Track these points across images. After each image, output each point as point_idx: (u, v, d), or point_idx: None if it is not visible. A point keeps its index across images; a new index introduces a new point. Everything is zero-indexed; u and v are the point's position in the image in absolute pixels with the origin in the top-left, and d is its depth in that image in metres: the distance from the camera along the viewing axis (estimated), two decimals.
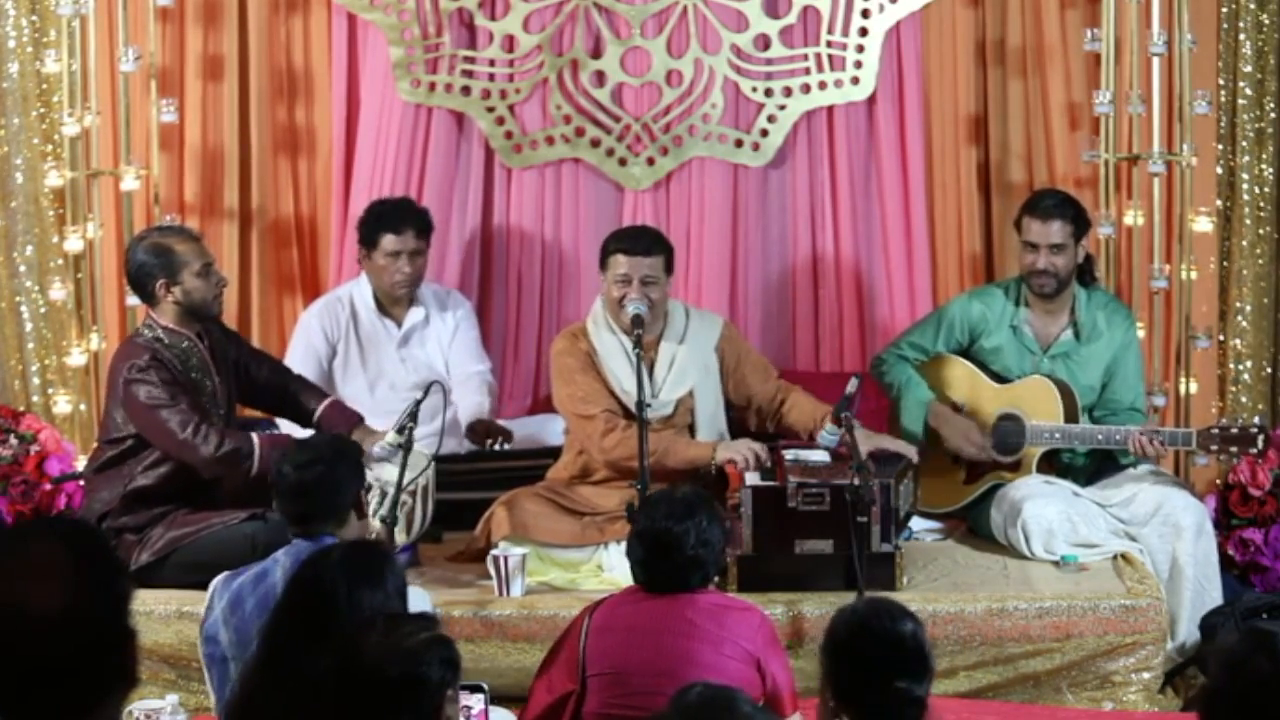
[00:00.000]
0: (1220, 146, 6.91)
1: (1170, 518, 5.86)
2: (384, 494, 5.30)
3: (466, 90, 6.93)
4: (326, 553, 3.75)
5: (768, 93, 6.92)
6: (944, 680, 5.24)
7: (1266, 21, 6.85)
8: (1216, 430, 5.90)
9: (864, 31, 6.88)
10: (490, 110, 6.92)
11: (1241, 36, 6.85)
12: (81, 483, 6.05)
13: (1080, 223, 6.15)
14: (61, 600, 2.41)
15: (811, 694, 3.88)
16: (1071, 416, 6.01)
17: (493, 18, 6.93)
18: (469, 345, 6.63)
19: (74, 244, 6.68)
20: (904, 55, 6.93)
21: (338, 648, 3.29)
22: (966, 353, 6.23)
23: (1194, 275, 6.77)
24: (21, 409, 6.73)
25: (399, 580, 3.69)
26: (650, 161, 6.95)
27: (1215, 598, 5.86)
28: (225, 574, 4.48)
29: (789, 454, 5.71)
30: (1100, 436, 5.99)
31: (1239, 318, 6.92)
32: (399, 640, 3.25)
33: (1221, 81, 6.89)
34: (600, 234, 6.31)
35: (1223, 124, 6.90)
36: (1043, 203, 6.17)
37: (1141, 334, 6.56)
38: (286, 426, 6.25)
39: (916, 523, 6.10)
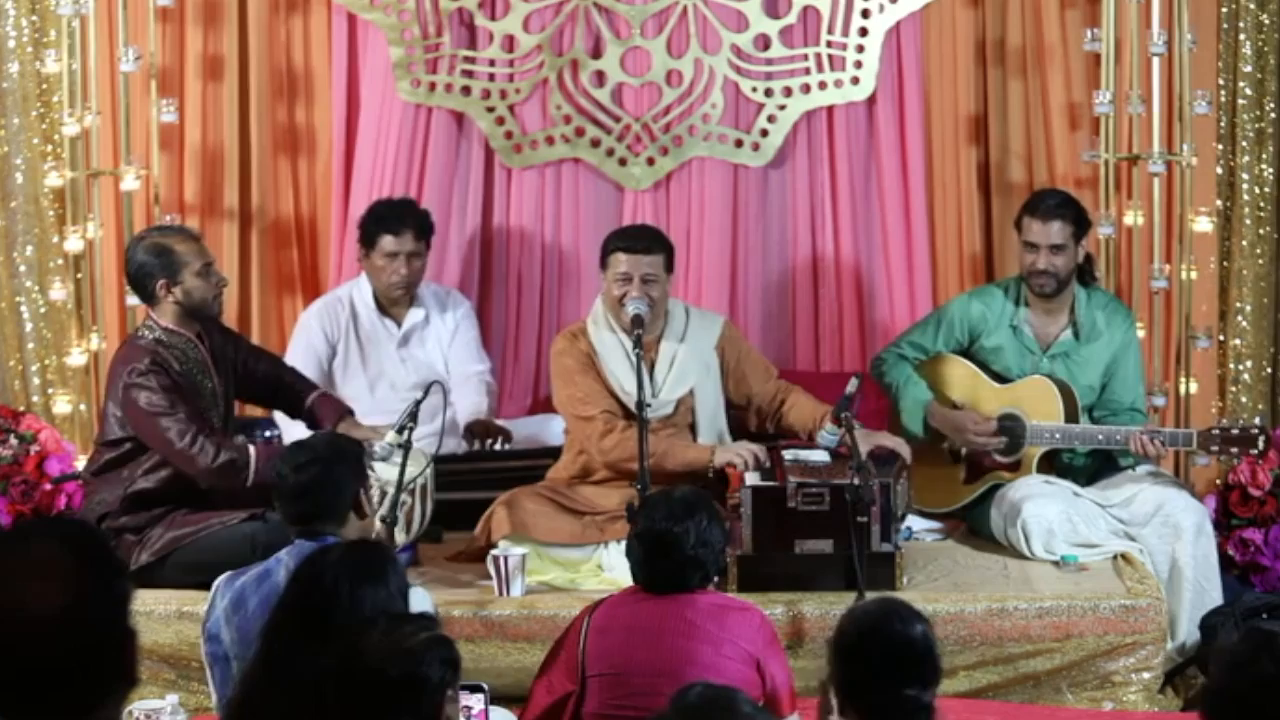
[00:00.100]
0: (1220, 146, 6.90)
1: (1170, 518, 5.86)
2: (384, 494, 5.30)
3: (466, 90, 6.92)
4: (328, 552, 3.75)
5: (768, 93, 6.92)
6: (944, 680, 5.15)
7: (1266, 21, 6.84)
8: (1217, 431, 5.91)
9: (864, 31, 6.88)
10: (490, 110, 6.92)
11: (1241, 36, 6.85)
12: (81, 483, 6.05)
13: (1080, 223, 6.15)
14: (61, 600, 2.40)
15: (811, 694, 3.88)
16: (1072, 416, 6.01)
17: (493, 18, 6.92)
18: (469, 345, 6.63)
19: (74, 244, 6.68)
20: (904, 55, 6.92)
21: (338, 647, 3.29)
22: (966, 352, 6.23)
23: (1194, 275, 6.77)
24: (21, 409, 6.72)
25: (401, 580, 3.69)
26: (650, 161, 6.94)
27: (1215, 598, 5.86)
28: (228, 573, 4.48)
29: (788, 454, 5.70)
30: (1101, 437, 5.99)
31: (1239, 318, 6.91)
32: (399, 640, 3.25)
33: (1221, 81, 6.88)
34: (600, 234, 6.30)
35: (1223, 124, 6.89)
36: (1043, 203, 6.17)
37: (1141, 334, 6.56)
38: (285, 425, 6.26)
39: (916, 523, 6.09)
